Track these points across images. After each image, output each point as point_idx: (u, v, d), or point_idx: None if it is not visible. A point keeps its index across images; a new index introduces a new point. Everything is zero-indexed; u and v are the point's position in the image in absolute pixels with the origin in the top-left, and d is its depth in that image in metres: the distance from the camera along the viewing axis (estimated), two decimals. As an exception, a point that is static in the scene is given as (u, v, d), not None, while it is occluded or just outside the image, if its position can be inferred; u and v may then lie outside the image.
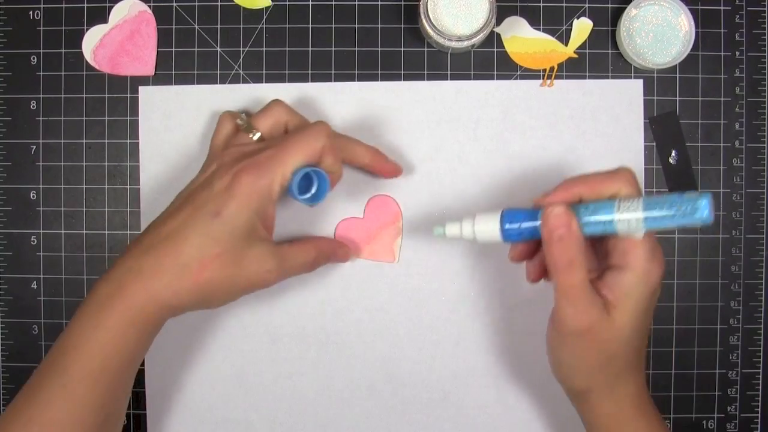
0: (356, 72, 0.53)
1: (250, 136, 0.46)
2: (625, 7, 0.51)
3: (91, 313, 0.42)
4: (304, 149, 0.44)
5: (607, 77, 0.53)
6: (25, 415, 0.41)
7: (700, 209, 0.38)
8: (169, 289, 0.42)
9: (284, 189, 0.44)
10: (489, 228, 0.43)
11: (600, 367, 0.42)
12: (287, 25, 0.53)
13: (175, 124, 0.53)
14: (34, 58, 0.53)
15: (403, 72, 0.53)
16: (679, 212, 0.38)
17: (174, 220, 0.43)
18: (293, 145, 0.44)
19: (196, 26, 0.53)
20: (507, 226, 0.43)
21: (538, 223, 0.42)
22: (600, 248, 0.44)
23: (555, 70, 0.53)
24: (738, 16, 0.53)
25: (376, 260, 0.53)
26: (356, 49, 0.53)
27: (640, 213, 0.39)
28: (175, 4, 0.53)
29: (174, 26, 0.53)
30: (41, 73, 0.53)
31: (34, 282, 0.53)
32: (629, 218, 0.40)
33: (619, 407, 0.43)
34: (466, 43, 0.49)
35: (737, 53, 0.53)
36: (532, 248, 0.45)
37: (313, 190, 0.46)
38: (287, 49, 0.53)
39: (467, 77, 0.53)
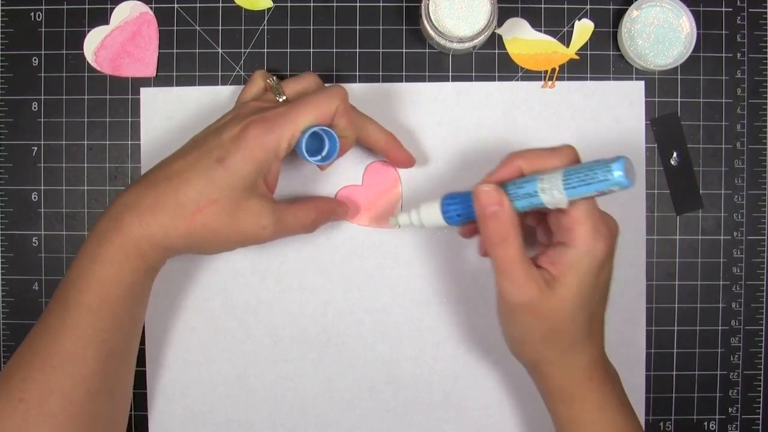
0: (357, 73, 0.53)
1: (277, 97, 0.47)
2: (627, 9, 0.51)
3: (90, 248, 0.43)
4: (316, 109, 0.44)
5: (608, 79, 0.53)
6: (33, 348, 0.42)
7: (613, 172, 0.37)
8: (162, 229, 0.42)
9: (292, 147, 0.44)
10: (432, 213, 0.46)
11: (545, 339, 0.43)
12: (288, 27, 0.53)
13: (176, 126, 0.53)
14: (35, 60, 0.53)
15: (404, 73, 0.53)
16: (594, 178, 0.38)
17: (179, 161, 0.44)
18: (306, 105, 0.44)
19: (197, 27, 0.53)
20: (446, 209, 0.45)
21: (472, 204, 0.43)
22: (548, 227, 0.44)
23: (556, 71, 0.53)
24: (739, 18, 0.53)
25: (377, 227, 0.53)
26: (357, 50, 0.53)
27: (560, 182, 0.39)
28: (176, 5, 0.53)
29: (175, 27, 0.53)
30: (42, 75, 0.53)
31: (36, 283, 0.53)
32: (551, 189, 0.40)
33: (571, 379, 0.44)
34: (467, 45, 0.49)
35: (738, 55, 0.53)
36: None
37: (324, 152, 0.46)
38: (288, 50, 0.53)
39: (468, 79, 0.53)
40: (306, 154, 0.45)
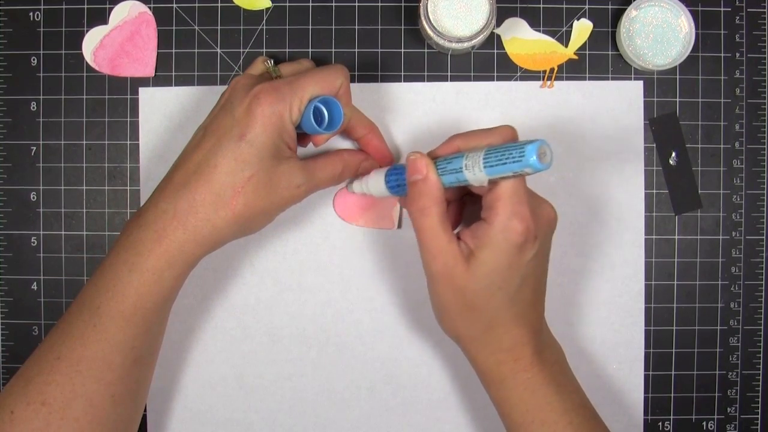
0: (356, 73, 0.53)
1: (274, 78, 0.47)
2: (625, 9, 0.51)
3: (126, 257, 0.42)
4: (323, 81, 0.45)
5: (607, 78, 0.53)
6: (56, 352, 0.42)
7: (527, 154, 0.37)
8: (207, 224, 0.42)
9: (301, 114, 0.44)
10: (377, 182, 0.48)
11: (463, 313, 0.43)
12: (287, 27, 0.53)
13: (175, 126, 0.53)
14: (34, 59, 0.53)
15: (403, 73, 0.53)
16: (509, 158, 0.38)
17: (200, 150, 0.43)
18: (313, 76, 0.45)
19: (196, 27, 0.53)
20: (387, 178, 0.47)
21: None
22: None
23: (555, 71, 0.53)
24: (738, 18, 0.53)
25: (375, 227, 0.53)
26: (356, 50, 0.53)
27: (481, 160, 0.40)
28: (175, 5, 0.53)
29: (174, 27, 0.53)
30: (41, 74, 0.53)
31: (34, 283, 0.53)
32: (473, 165, 0.40)
33: (496, 360, 0.44)
34: (466, 45, 0.49)
35: (737, 54, 0.53)
36: None
37: (327, 120, 0.46)
38: (287, 50, 0.53)
39: (467, 78, 0.53)
40: (313, 122, 0.45)
